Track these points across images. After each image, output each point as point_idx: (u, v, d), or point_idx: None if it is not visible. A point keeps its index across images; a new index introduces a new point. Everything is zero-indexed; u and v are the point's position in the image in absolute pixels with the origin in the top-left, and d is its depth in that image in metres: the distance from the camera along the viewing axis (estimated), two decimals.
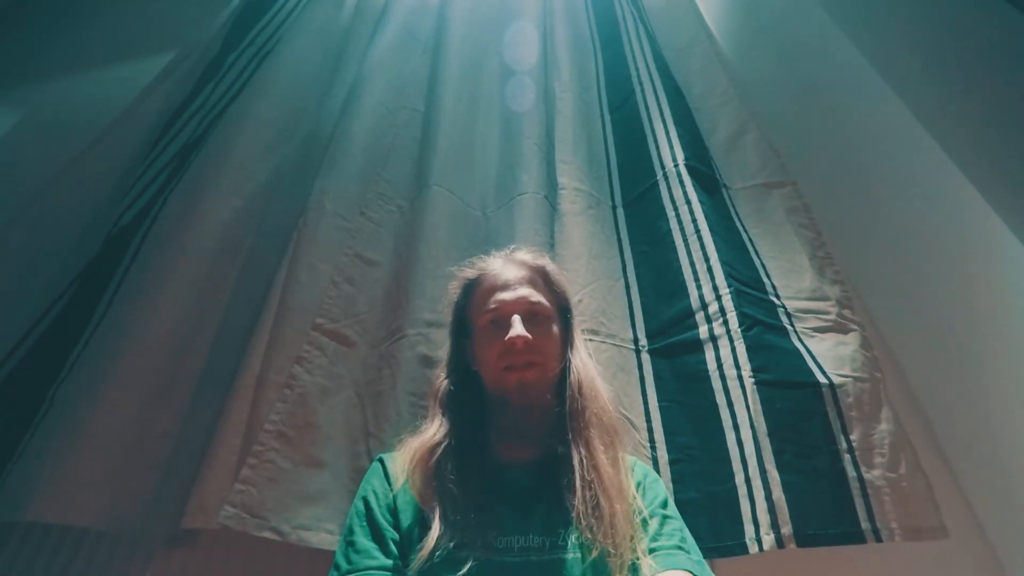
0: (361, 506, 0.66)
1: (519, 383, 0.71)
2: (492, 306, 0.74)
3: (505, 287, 0.75)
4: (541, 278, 0.79)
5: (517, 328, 0.70)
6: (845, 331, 0.89)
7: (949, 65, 1.00)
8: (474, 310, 0.78)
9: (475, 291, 0.79)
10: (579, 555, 0.61)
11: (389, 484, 0.68)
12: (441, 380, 0.78)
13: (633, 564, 0.59)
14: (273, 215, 1.10)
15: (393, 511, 0.65)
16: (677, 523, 0.66)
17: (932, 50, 1.03)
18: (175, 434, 0.85)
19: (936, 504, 0.74)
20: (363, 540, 0.62)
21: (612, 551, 0.59)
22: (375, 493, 0.67)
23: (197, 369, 0.91)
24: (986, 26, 1.02)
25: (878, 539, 0.71)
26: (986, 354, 0.84)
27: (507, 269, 0.78)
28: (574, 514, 0.62)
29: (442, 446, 0.68)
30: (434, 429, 0.71)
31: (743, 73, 1.42)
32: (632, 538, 0.61)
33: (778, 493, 0.72)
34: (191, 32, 1.45)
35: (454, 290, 0.82)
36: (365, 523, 0.64)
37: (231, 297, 1.00)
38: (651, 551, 0.61)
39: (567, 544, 0.62)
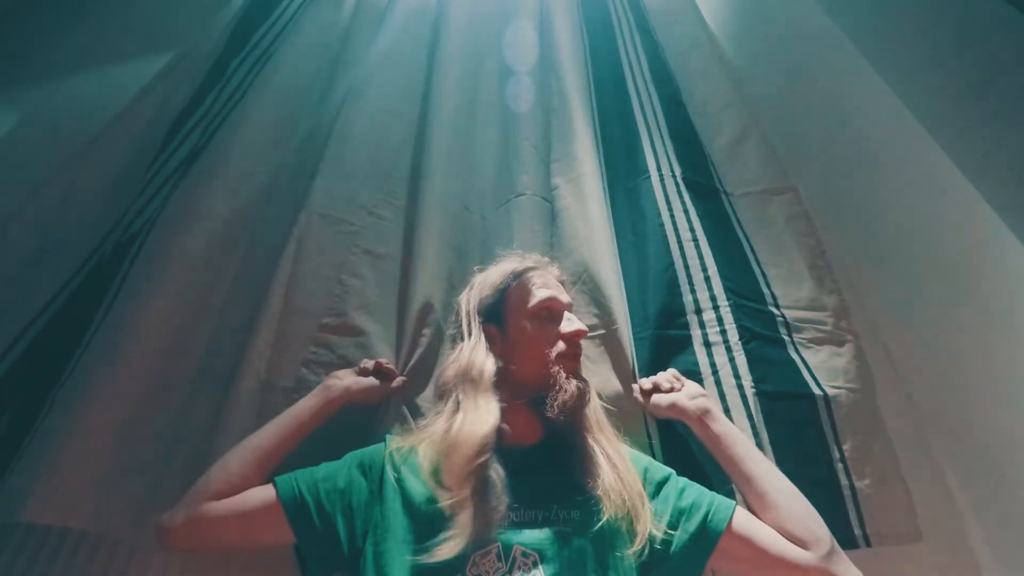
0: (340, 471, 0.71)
1: (575, 368, 0.76)
2: (548, 297, 0.79)
3: (556, 286, 0.82)
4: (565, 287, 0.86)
5: (579, 322, 0.78)
6: (840, 343, 0.91)
7: (953, 68, 1.00)
8: (519, 298, 0.79)
9: (524, 281, 0.81)
10: (574, 530, 0.63)
11: (383, 464, 0.70)
12: (484, 363, 0.74)
13: (640, 549, 0.62)
14: (270, 217, 1.10)
15: (370, 478, 0.69)
16: (693, 494, 0.70)
17: (935, 53, 1.03)
18: (170, 436, 0.85)
19: (912, 508, 0.77)
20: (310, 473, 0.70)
21: (633, 522, 0.63)
22: (358, 459, 0.72)
23: (192, 371, 0.91)
24: (986, 27, 1.02)
25: (868, 545, 0.74)
26: (986, 357, 0.84)
27: (550, 270, 0.85)
28: (596, 485, 0.65)
29: (457, 435, 0.67)
30: (487, 415, 0.69)
31: (744, 76, 1.42)
32: (646, 507, 0.65)
33: None
34: (191, 33, 1.45)
35: (496, 277, 0.82)
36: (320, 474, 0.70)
37: (226, 299, 1.00)
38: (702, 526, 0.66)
39: (560, 518, 0.65)
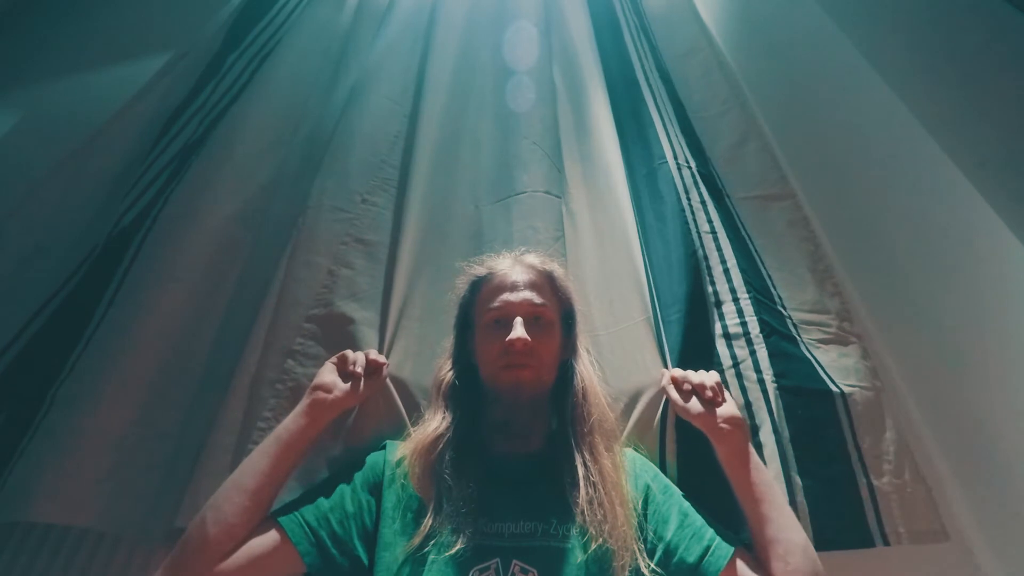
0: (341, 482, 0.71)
1: (514, 383, 0.73)
2: (496, 305, 0.76)
3: (512, 288, 0.77)
4: (547, 283, 0.81)
5: (518, 330, 0.72)
6: (845, 343, 0.91)
7: (953, 69, 1.00)
8: (479, 307, 0.80)
9: (482, 288, 0.81)
10: (572, 546, 0.62)
11: (382, 474, 0.70)
12: (444, 372, 0.79)
13: (633, 567, 0.61)
14: (274, 215, 1.09)
15: (375, 493, 0.69)
16: (695, 525, 0.67)
17: (935, 54, 1.03)
18: (175, 434, 0.84)
19: (936, 508, 0.77)
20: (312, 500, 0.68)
21: (616, 552, 0.61)
22: (361, 476, 0.71)
23: (197, 369, 0.91)
24: (986, 27, 1.02)
25: (886, 543, 0.73)
26: (986, 356, 0.84)
27: (515, 270, 0.80)
28: (577, 512, 0.64)
29: (444, 439, 0.70)
30: (436, 422, 0.73)
31: (745, 77, 1.42)
32: (633, 540, 0.63)
33: (800, 498, 0.75)
34: (191, 32, 1.45)
35: (461, 285, 0.84)
36: (327, 491, 0.69)
37: (231, 297, 0.99)
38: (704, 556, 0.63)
39: (559, 533, 0.64)
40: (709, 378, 0.78)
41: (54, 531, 0.81)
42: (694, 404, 0.76)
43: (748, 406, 0.83)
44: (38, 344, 0.91)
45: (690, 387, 0.77)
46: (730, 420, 0.73)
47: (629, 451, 0.78)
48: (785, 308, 0.96)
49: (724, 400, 0.76)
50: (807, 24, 1.28)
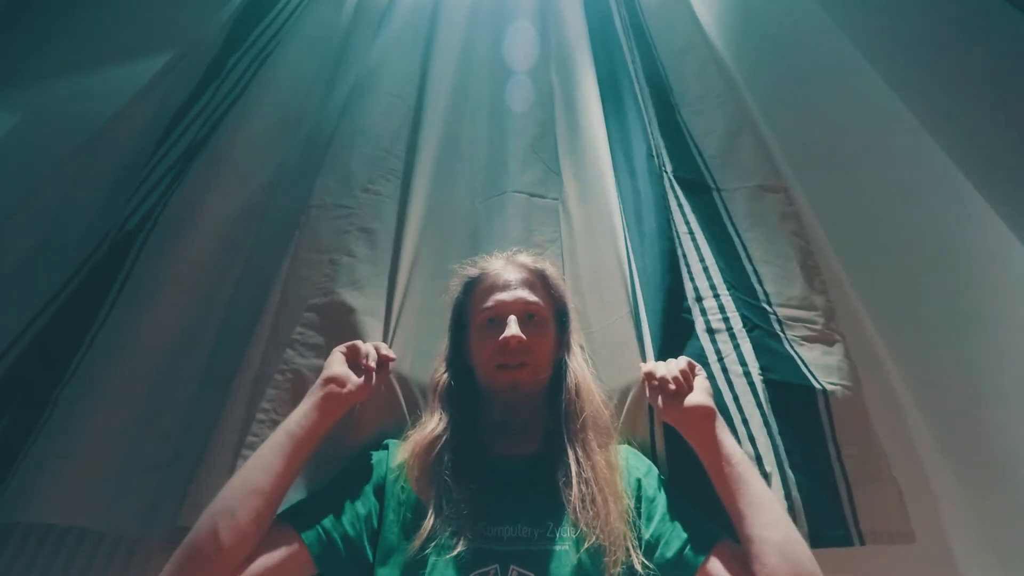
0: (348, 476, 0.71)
1: (511, 382, 0.73)
2: (490, 305, 0.77)
3: (504, 287, 0.78)
4: (540, 281, 0.82)
5: (512, 328, 0.73)
6: (830, 342, 0.90)
7: (952, 68, 1.00)
8: (472, 307, 0.80)
9: (475, 289, 0.81)
10: (568, 549, 0.63)
11: (385, 476, 0.71)
12: (440, 374, 0.80)
13: (626, 563, 0.61)
14: (274, 215, 1.10)
15: (380, 495, 0.69)
16: (677, 521, 0.66)
17: (934, 53, 1.03)
18: (176, 435, 0.85)
19: (906, 510, 0.76)
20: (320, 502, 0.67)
21: (607, 548, 0.61)
22: (368, 477, 0.71)
23: (198, 370, 0.91)
24: (986, 27, 1.02)
25: (862, 542, 0.73)
26: (984, 357, 0.84)
27: (507, 270, 0.81)
28: (569, 509, 0.64)
29: (441, 440, 0.70)
30: (433, 423, 0.73)
31: (743, 74, 1.42)
32: (625, 536, 0.63)
33: (795, 493, 0.74)
34: (191, 32, 1.45)
35: (455, 286, 0.84)
36: (339, 490, 0.69)
37: (232, 297, 1.00)
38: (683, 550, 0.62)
39: (555, 537, 0.64)
40: (673, 367, 0.75)
41: (54, 531, 0.81)
42: (659, 401, 0.74)
43: (736, 399, 0.82)
44: (40, 345, 0.92)
45: (656, 383, 0.74)
46: (692, 411, 0.70)
47: (624, 447, 0.78)
48: (771, 304, 0.95)
49: (690, 388, 0.73)
50: (804, 19, 1.28)
